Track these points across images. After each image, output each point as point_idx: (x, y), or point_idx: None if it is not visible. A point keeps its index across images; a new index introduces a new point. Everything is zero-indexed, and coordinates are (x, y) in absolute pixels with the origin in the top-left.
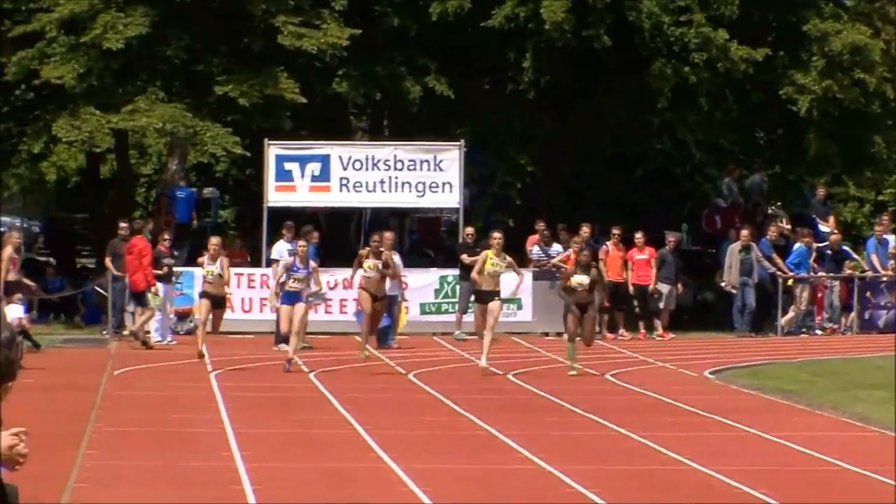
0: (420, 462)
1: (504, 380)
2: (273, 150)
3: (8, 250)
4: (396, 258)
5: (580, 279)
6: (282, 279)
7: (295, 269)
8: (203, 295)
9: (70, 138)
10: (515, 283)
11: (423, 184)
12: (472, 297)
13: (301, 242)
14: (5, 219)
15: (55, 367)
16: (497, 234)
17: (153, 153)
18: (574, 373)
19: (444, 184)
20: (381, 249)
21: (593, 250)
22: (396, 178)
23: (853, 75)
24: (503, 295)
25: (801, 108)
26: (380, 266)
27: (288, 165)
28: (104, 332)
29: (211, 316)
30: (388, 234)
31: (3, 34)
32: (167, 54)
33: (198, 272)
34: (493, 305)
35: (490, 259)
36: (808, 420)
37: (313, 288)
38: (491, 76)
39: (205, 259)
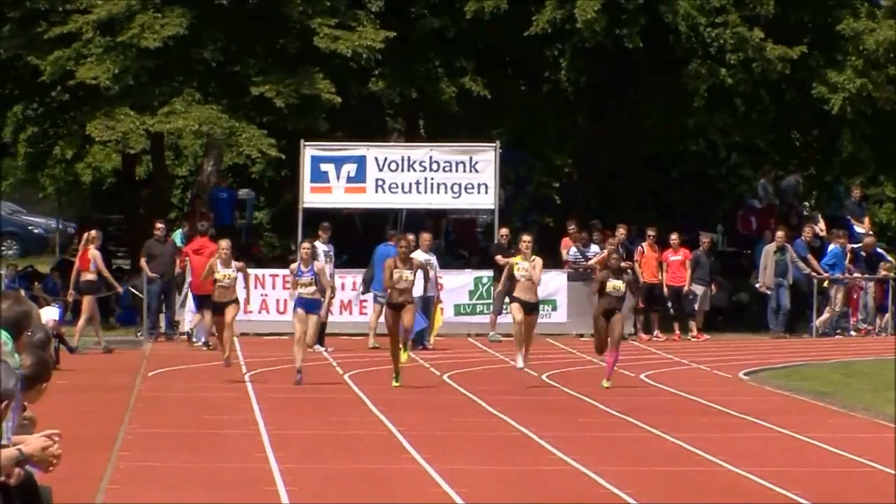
0: (454, 463)
1: (539, 381)
2: (309, 152)
3: (92, 249)
4: (433, 259)
5: (616, 283)
6: (294, 282)
7: (299, 273)
8: (214, 305)
9: (104, 138)
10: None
11: (459, 185)
12: (508, 300)
13: (305, 245)
14: (40, 220)
15: (89, 368)
16: (526, 238)
17: (189, 154)
18: (607, 385)
19: (479, 185)
20: (412, 256)
21: (629, 251)
22: (432, 179)
23: (888, 72)
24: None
25: (834, 106)
26: (410, 276)
27: (324, 167)
28: (139, 334)
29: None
30: (426, 236)
31: (39, 35)
32: (203, 55)
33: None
34: (530, 319)
35: (517, 265)
36: (841, 421)
37: (327, 300)
38: (527, 77)
39: (216, 263)
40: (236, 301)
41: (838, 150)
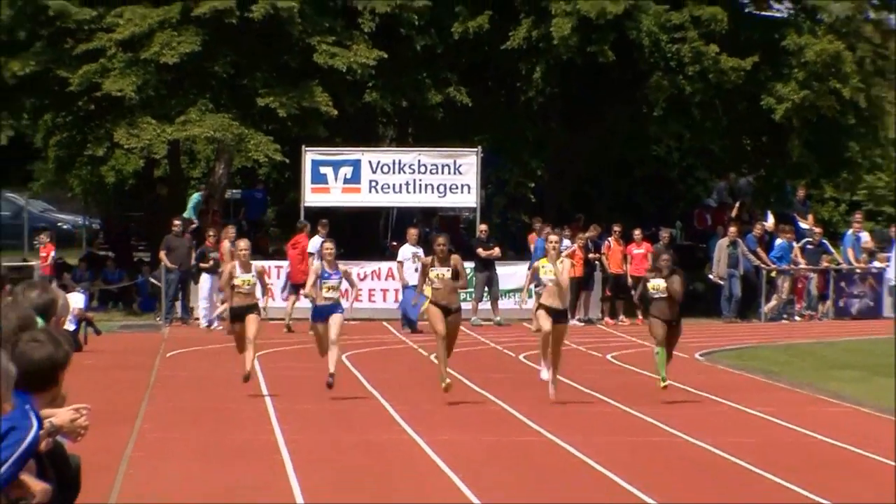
0: (440, 434)
1: (516, 361)
2: (309, 156)
3: (226, 244)
4: (420, 252)
5: (657, 283)
6: (313, 291)
7: (326, 275)
8: (234, 315)
9: (130, 145)
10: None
11: (444, 186)
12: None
13: (328, 245)
14: (69, 217)
15: (114, 349)
16: (553, 238)
17: (202, 158)
18: (664, 385)
19: (462, 186)
20: (451, 254)
21: (597, 245)
22: (420, 180)
23: (829, 84)
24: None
25: (777, 114)
26: (447, 275)
27: (323, 169)
28: (158, 319)
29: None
30: (413, 231)
31: (67, 51)
32: (215, 70)
33: (255, 264)
34: (560, 329)
35: (542, 268)
36: (787, 396)
37: (346, 302)
38: (506, 89)
39: (235, 269)
40: (258, 310)
41: (786, 155)
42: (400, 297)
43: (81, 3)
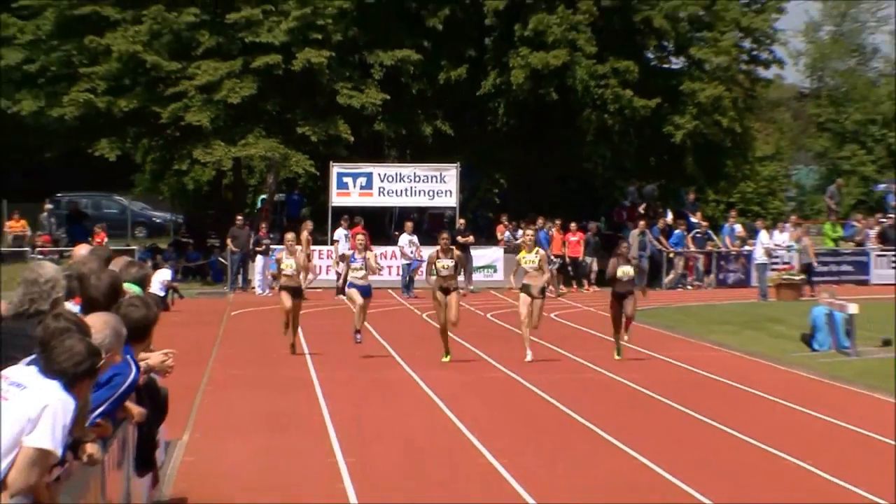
0: (431, 371)
1: (485, 318)
2: (335, 169)
3: (305, 234)
4: (415, 238)
5: (626, 270)
6: (344, 269)
7: (353, 260)
8: (282, 288)
9: (205, 161)
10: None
11: (433, 191)
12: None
13: (360, 236)
14: (160, 213)
15: (192, 310)
16: (529, 232)
17: (257, 171)
18: (618, 358)
19: (445, 191)
20: (452, 247)
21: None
22: (415, 187)
23: (713, 117)
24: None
25: (676, 139)
26: (450, 264)
27: (345, 179)
28: (225, 288)
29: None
30: (409, 224)
31: (160, 93)
32: (266, 107)
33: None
34: (538, 302)
35: (524, 258)
36: (683, 345)
37: (371, 276)
38: (479, 121)
39: (282, 256)
40: (301, 294)
41: (681, 169)
42: (401, 272)
43: (170, 58)
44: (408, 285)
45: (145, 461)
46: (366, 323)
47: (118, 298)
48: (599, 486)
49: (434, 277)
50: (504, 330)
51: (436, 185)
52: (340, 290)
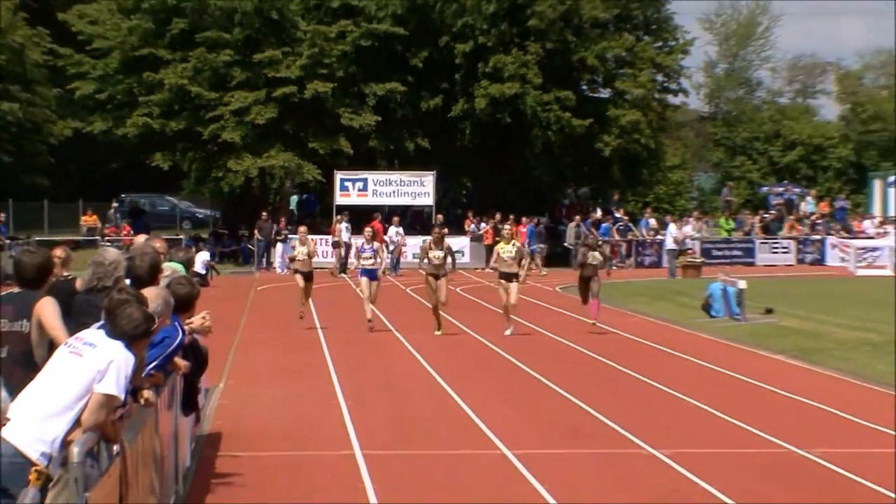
0: (413, 334)
1: (456, 293)
2: (338, 176)
3: (338, 227)
4: (401, 230)
5: (594, 255)
6: (356, 257)
7: (363, 250)
8: (296, 272)
9: (237, 169)
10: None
11: (414, 193)
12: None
13: (367, 229)
14: (202, 210)
15: (227, 285)
16: (507, 226)
17: (277, 177)
18: (594, 322)
19: (424, 193)
20: (444, 240)
21: (497, 229)
22: (401, 190)
23: (633, 136)
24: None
25: (605, 152)
26: (441, 254)
27: (346, 183)
28: (252, 268)
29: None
30: (396, 219)
31: (201, 116)
32: (285, 127)
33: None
34: (513, 285)
35: (503, 249)
36: (611, 313)
37: (382, 265)
38: (451, 138)
39: (297, 244)
40: (311, 276)
41: (609, 175)
42: (389, 256)
43: (210, 89)
44: (395, 265)
45: (189, 404)
46: (374, 308)
47: (158, 275)
48: (543, 420)
49: (427, 264)
50: (471, 302)
51: (417, 188)
52: (341, 270)
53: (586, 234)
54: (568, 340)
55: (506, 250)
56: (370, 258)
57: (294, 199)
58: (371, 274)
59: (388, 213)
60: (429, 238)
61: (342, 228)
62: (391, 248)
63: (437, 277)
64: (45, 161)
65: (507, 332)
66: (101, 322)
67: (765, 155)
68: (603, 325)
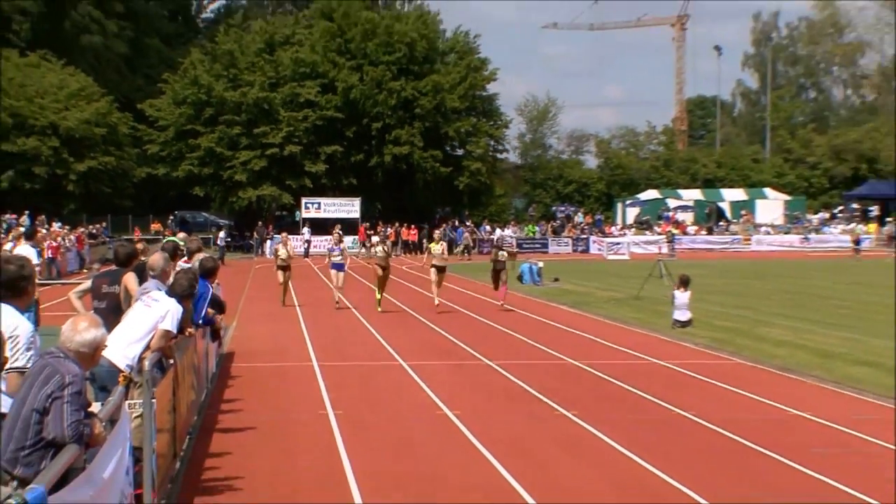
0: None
1: (359, 281)
2: (304, 200)
3: (335, 234)
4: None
5: (503, 254)
6: (328, 255)
7: (332, 250)
8: (279, 267)
9: (244, 196)
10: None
11: (348, 210)
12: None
13: (336, 233)
14: (224, 220)
15: (237, 265)
16: (437, 232)
17: (267, 201)
18: (501, 305)
19: (353, 211)
20: (443, 244)
21: (398, 232)
22: (340, 208)
23: (476, 178)
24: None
25: (460, 186)
26: (383, 249)
27: (308, 205)
28: (252, 256)
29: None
30: (338, 227)
31: (223, 165)
32: (272, 172)
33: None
34: (442, 276)
35: (434, 247)
36: (466, 283)
37: (347, 261)
38: (368, 178)
39: (279, 247)
40: (289, 269)
41: (461, 200)
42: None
43: (228, 149)
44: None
45: (215, 335)
46: (327, 279)
47: (133, 260)
48: (425, 345)
49: (375, 256)
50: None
51: (349, 208)
52: (305, 255)
53: (502, 238)
54: (484, 318)
55: (436, 248)
56: (338, 255)
57: (297, 214)
58: (339, 267)
59: (333, 222)
60: (376, 239)
61: (305, 232)
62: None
63: (384, 269)
64: (130, 192)
65: (436, 303)
66: (159, 286)
67: (553, 188)
68: (463, 288)
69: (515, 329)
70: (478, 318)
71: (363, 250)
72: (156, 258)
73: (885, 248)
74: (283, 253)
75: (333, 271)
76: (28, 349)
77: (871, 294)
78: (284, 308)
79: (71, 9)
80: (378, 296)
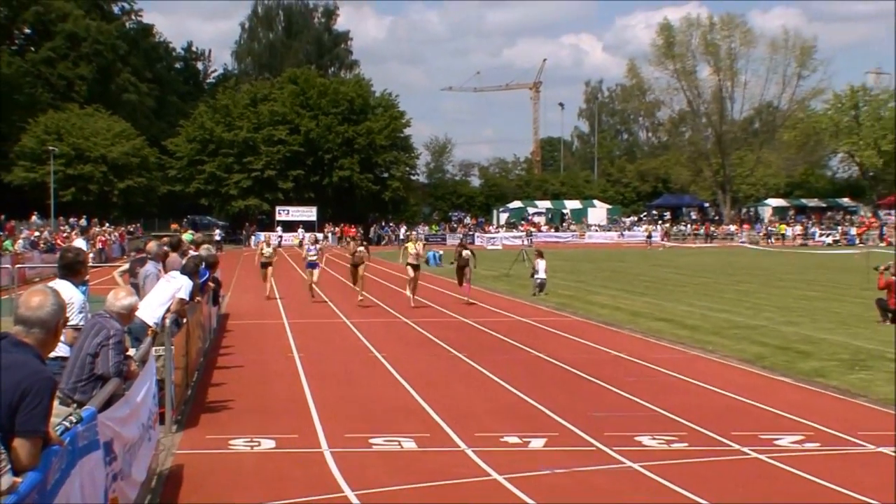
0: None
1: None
2: (278, 208)
3: (312, 236)
4: (307, 233)
5: (467, 253)
6: (305, 254)
7: (308, 249)
8: (262, 265)
9: (236, 205)
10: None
11: (307, 215)
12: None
13: (310, 236)
14: (222, 222)
15: (230, 254)
16: (414, 233)
17: (252, 208)
18: (467, 300)
19: (311, 215)
20: (420, 244)
21: (342, 231)
22: (303, 214)
23: (397, 193)
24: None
25: (386, 199)
26: (363, 251)
27: (281, 211)
28: (242, 247)
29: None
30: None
31: (221, 184)
32: (255, 188)
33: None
34: (418, 274)
35: (409, 246)
36: (388, 266)
37: (323, 259)
38: (321, 193)
39: (263, 245)
40: (272, 264)
41: (388, 209)
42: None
43: (224, 173)
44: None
45: (215, 301)
46: (316, 287)
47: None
48: (398, 337)
49: (350, 255)
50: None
51: (309, 214)
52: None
53: (467, 237)
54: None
55: (412, 248)
56: (314, 255)
57: (259, 217)
58: (314, 265)
59: (298, 224)
60: (352, 241)
61: (279, 230)
62: (301, 237)
63: (355, 266)
64: (156, 202)
65: (412, 305)
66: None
67: (450, 200)
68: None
69: (424, 297)
70: (398, 289)
71: (327, 242)
72: (150, 245)
73: (674, 241)
74: (267, 251)
75: (309, 269)
76: (80, 312)
77: (664, 272)
78: (264, 283)
79: (115, 75)
80: (358, 287)
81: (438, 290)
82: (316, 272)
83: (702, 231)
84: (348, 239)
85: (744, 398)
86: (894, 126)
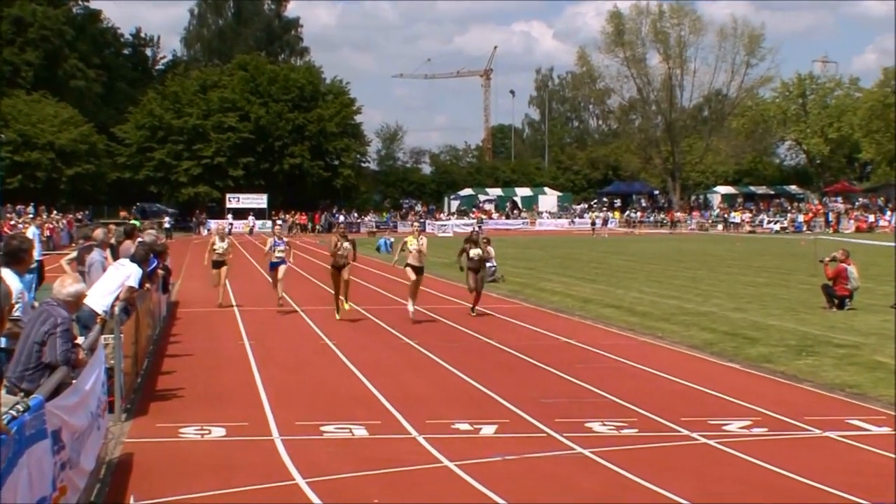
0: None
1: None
2: (228, 196)
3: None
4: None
5: (476, 252)
6: (269, 251)
7: (276, 243)
8: (214, 265)
9: (186, 192)
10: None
11: (258, 202)
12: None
13: (278, 227)
14: (172, 209)
15: (180, 242)
16: (416, 224)
17: (202, 196)
18: (473, 314)
19: (261, 203)
20: (423, 238)
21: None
22: (253, 201)
23: (349, 181)
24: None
25: (338, 186)
26: (348, 246)
27: (231, 199)
28: (192, 235)
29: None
30: (344, 229)
31: (171, 171)
32: (205, 176)
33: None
34: (420, 278)
35: (410, 241)
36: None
37: (289, 259)
38: (272, 181)
39: (215, 240)
40: (225, 262)
41: (340, 196)
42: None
43: (174, 160)
44: (251, 232)
45: (165, 289)
46: (280, 289)
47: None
48: (370, 334)
49: (332, 253)
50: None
51: (259, 201)
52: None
53: (477, 232)
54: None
55: (413, 243)
56: (282, 251)
57: (209, 205)
58: (281, 262)
59: (248, 212)
60: (335, 236)
61: (229, 217)
62: (251, 225)
63: (339, 269)
64: (105, 189)
65: (411, 311)
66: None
67: (401, 187)
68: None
69: (375, 284)
70: (352, 278)
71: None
72: (97, 232)
73: (624, 228)
74: (220, 246)
75: (275, 268)
76: (16, 302)
77: (615, 259)
78: (216, 289)
79: (63, 61)
80: (344, 306)
81: (384, 275)
82: (282, 269)
83: (651, 218)
84: (325, 233)
85: (693, 384)
86: (839, 114)
